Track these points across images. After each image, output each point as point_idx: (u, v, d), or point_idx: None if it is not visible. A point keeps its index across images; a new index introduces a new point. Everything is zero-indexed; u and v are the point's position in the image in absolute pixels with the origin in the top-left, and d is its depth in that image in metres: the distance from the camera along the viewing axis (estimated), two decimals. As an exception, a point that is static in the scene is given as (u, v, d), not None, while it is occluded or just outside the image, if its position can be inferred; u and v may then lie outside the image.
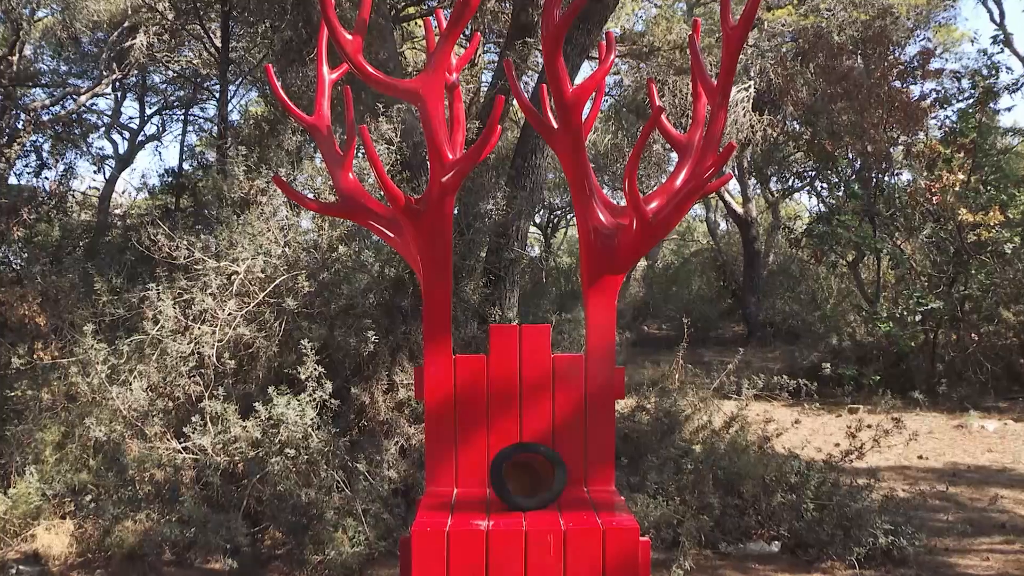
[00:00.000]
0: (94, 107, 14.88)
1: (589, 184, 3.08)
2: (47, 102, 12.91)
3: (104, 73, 12.51)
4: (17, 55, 12.03)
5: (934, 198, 9.74)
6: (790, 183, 16.12)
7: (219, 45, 10.53)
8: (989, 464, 6.94)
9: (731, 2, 2.85)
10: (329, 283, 5.35)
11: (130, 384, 4.89)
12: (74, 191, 12.96)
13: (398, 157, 5.99)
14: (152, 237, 5.49)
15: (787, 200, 19.17)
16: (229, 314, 5.09)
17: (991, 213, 9.19)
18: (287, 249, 5.46)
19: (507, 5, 9.80)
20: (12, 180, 11.57)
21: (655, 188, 3.26)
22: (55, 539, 4.55)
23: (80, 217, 11.81)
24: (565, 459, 3.09)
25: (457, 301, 5.63)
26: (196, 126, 15.36)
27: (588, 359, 3.11)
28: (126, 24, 12.18)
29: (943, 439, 7.80)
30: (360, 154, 5.81)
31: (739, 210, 15.34)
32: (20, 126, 11.91)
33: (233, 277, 5.26)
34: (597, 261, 3.07)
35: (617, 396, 3.14)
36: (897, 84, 11.19)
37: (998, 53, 10.84)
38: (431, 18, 3.69)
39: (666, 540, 4.58)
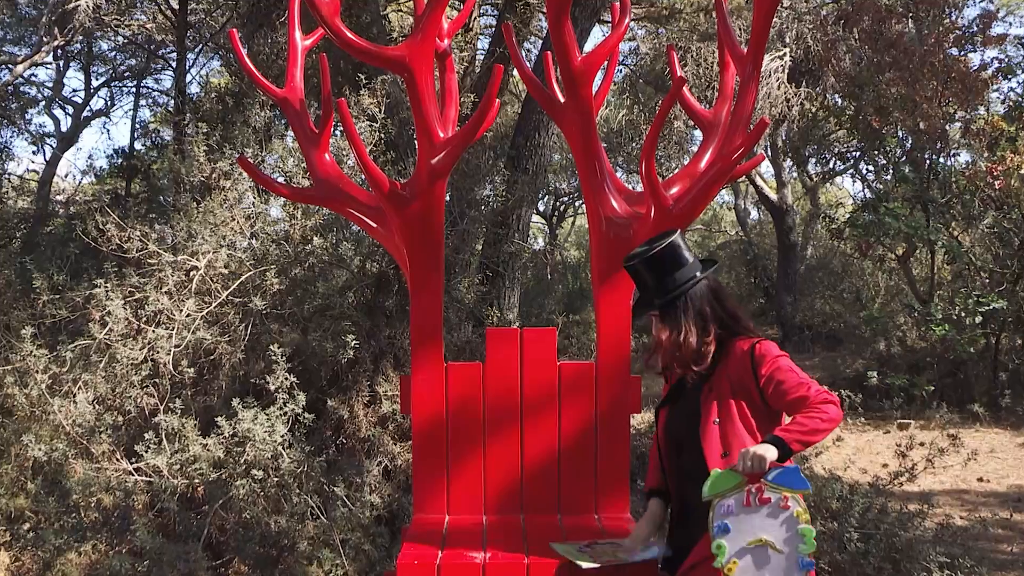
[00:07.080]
0: (33, 78, 14.87)
1: (600, 167, 3.08)
2: (-22, 73, 12.90)
3: (44, 39, 12.47)
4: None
5: (996, 182, 9.72)
6: (831, 165, 16.11)
7: (176, 7, 10.52)
8: (1059, 488, 6.95)
9: (764, -43, 2.84)
10: (302, 280, 5.35)
11: (74, 396, 4.89)
12: (10, 174, 13.00)
13: (382, 136, 5.99)
14: (100, 227, 5.49)
15: (828, 185, 19.18)
16: (188, 315, 5.09)
17: (1062, 200, 9.19)
18: (254, 241, 5.46)
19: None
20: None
21: (676, 171, 3.26)
22: (-12, 573, 4.55)
23: (17, 204, 11.86)
24: (573, 481, 3.09)
25: (449, 300, 5.63)
26: (150, 100, 15.33)
27: (599, 367, 3.11)
28: (70, -17, 12.16)
29: (1006, 459, 7.79)
30: (338, 132, 5.80)
31: (772, 196, 15.33)
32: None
33: (192, 273, 5.26)
34: (610, 255, 3.07)
35: (632, 410, 3.14)
36: (954, 52, 11.16)
37: (1070, 16, 10.83)
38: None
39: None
